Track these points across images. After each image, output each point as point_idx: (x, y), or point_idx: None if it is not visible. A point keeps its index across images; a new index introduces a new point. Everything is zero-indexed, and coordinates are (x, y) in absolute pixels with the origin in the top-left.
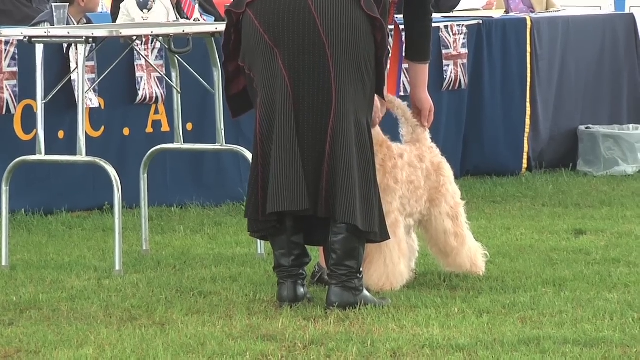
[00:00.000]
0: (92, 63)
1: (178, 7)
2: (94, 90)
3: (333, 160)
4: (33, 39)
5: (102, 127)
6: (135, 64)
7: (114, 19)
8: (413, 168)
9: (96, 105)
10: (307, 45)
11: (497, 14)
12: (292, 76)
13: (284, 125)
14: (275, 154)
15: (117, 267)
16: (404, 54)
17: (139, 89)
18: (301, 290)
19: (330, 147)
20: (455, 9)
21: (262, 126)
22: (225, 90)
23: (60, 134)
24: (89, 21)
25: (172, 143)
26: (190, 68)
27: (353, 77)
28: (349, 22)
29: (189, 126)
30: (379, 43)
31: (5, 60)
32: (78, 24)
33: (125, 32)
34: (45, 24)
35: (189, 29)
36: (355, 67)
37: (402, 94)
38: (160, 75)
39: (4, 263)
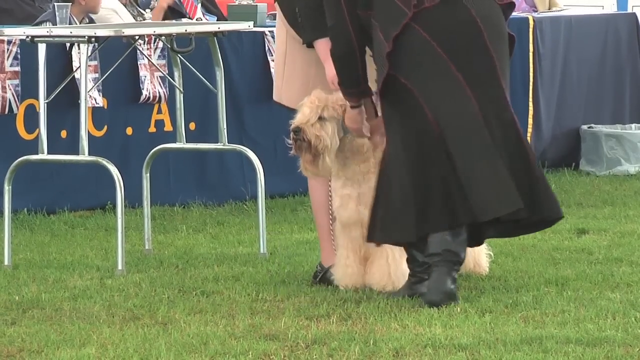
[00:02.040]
0: (94, 62)
1: (172, 10)
2: (98, 90)
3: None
4: (35, 39)
5: (105, 127)
6: (139, 63)
7: None
8: None
9: (101, 104)
10: (477, 56)
11: None
12: (472, 87)
13: (477, 130)
14: (472, 160)
15: (120, 267)
16: None
17: (143, 89)
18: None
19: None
20: None
21: (443, 128)
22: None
23: (63, 134)
24: (91, 21)
25: (175, 142)
26: (192, 68)
27: (507, 80)
28: (502, 28)
29: (192, 126)
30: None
31: (7, 59)
32: (80, 23)
33: (128, 31)
34: (48, 23)
35: (191, 29)
36: (507, 70)
37: None
38: (162, 75)
39: (6, 262)
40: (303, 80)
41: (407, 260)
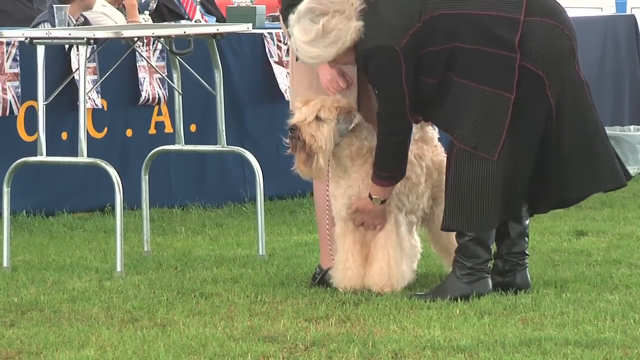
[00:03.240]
0: (93, 64)
1: (170, 11)
2: (97, 92)
3: None
4: (34, 40)
5: (105, 129)
6: (138, 65)
7: None
8: (410, 164)
9: (100, 106)
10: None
11: None
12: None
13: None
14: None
15: (118, 269)
16: None
17: (142, 90)
18: None
19: None
20: None
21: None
22: None
23: (64, 135)
24: (85, 21)
25: (174, 144)
26: (191, 69)
27: None
28: None
29: (193, 127)
30: None
31: (7, 61)
32: (77, 21)
33: (127, 33)
34: (46, 24)
35: (190, 30)
36: None
37: None
38: (162, 77)
39: (5, 264)
40: (308, 85)
41: (465, 257)
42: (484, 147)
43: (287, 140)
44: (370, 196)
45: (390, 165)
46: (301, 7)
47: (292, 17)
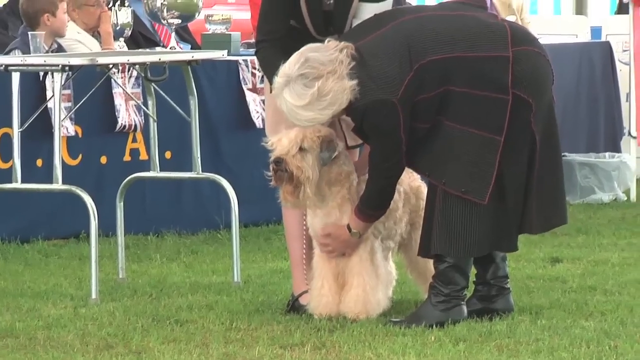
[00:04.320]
0: (68, 91)
1: (146, 38)
2: (71, 119)
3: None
4: (9, 67)
5: (80, 156)
6: (113, 92)
7: None
8: None
9: (73, 133)
10: None
11: None
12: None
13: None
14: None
15: (93, 296)
16: None
17: (119, 117)
18: None
19: None
20: None
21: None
22: None
23: (39, 162)
24: (59, 48)
25: (149, 171)
26: (166, 96)
27: None
28: None
29: (168, 154)
30: None
31: None
32: (49, 48)
33: (102, 60)
34: (16, 51)
35: (165, 57)
36: None
37: None
38: (137, 104)
39: None
40: (275, 109)
41: (443, 284)
42: (474, 192)
43: (270, 173)
44: (348, 227)
45: (378, 205)
46: (289, 71)
47: (278, 81)
